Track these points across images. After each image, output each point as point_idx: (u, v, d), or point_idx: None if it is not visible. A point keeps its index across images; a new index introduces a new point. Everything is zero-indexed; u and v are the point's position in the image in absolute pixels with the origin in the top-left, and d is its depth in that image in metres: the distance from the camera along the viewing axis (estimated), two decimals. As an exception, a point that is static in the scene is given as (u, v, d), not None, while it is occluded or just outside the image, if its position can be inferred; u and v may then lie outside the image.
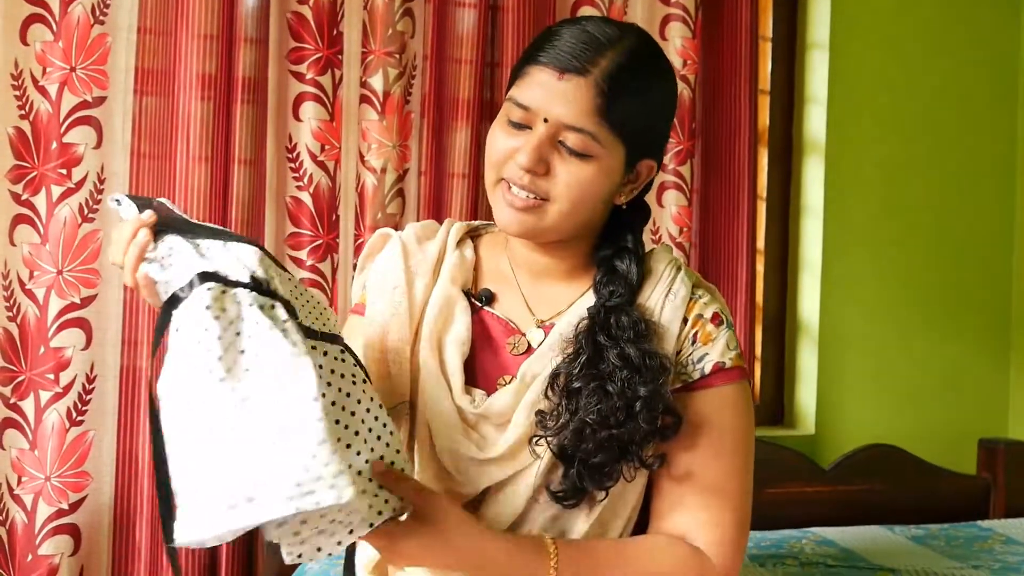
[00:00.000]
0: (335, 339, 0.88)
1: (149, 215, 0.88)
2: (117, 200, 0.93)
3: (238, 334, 0.80)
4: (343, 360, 0.86)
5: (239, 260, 0.85)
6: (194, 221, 0.95)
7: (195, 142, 1.63)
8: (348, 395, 0.83)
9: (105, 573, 1.64)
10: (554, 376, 0.97)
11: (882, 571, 1.49)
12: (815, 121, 2.09)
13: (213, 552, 1.67)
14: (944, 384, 2.16)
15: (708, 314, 1.03)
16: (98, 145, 1.61)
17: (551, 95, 0.94)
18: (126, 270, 0.88)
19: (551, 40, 0.95)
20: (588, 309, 1.00)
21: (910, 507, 1.89)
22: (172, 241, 0.87)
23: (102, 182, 1.62)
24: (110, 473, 1.63)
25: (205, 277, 0.82)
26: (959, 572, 1.49)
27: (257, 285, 0.83)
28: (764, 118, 2.08)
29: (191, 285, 0.82)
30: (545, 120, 0.95)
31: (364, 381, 0.87)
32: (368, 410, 0.85)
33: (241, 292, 0.82)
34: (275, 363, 0.78)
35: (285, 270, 0.92)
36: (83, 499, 1.60)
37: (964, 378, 2.18)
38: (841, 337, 2.08)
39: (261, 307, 0.82)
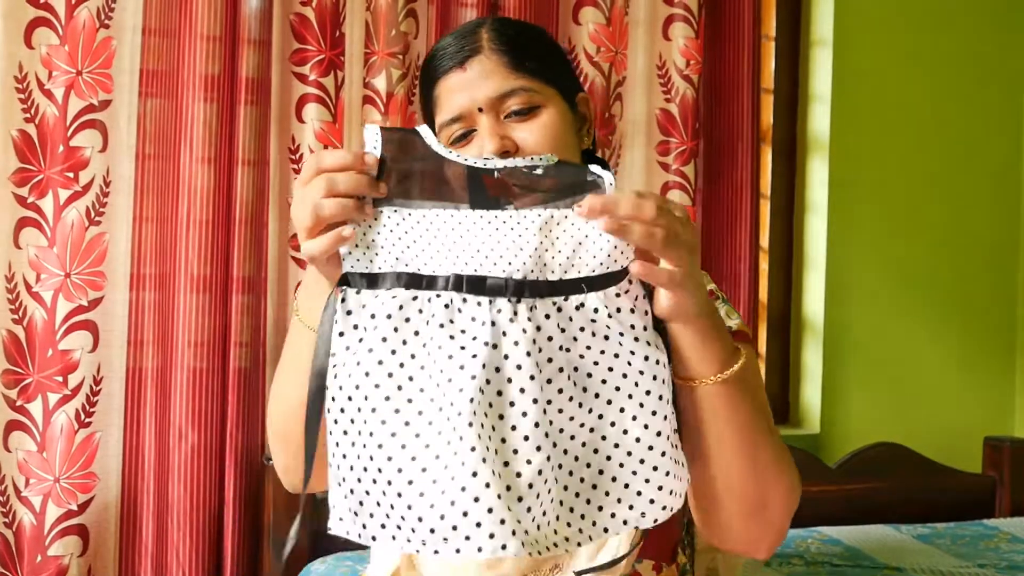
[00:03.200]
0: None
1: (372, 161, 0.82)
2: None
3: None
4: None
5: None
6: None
7: (199, 144, 1.64)
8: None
9: (112, 572, 1.65)
10: None
11: (888, 570, 1.49)
12: (819, 119, 2.09)
13: (219, 549, 1.67)
14: (949, 382, 2.16)
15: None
16: (104, 148, 1.61)
17: (468, 87, 0.96)
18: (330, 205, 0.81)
19: (433, 60, 1.00)
20: None
21: (915, 506, 1.89)
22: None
23: (108, 185, 1.62)
24: (116, 473, 1.65)
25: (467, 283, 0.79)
26: (965, 571, 1.49)
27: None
28: (768, 116, 2.08)
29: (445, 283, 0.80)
30: (480, 109, 0.96)
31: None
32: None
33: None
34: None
35: None
36: (91, 499, 1.61)
37: (970, 376, 2.18)
38: (846, 335, 2.08)
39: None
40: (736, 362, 0.84)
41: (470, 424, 0.73)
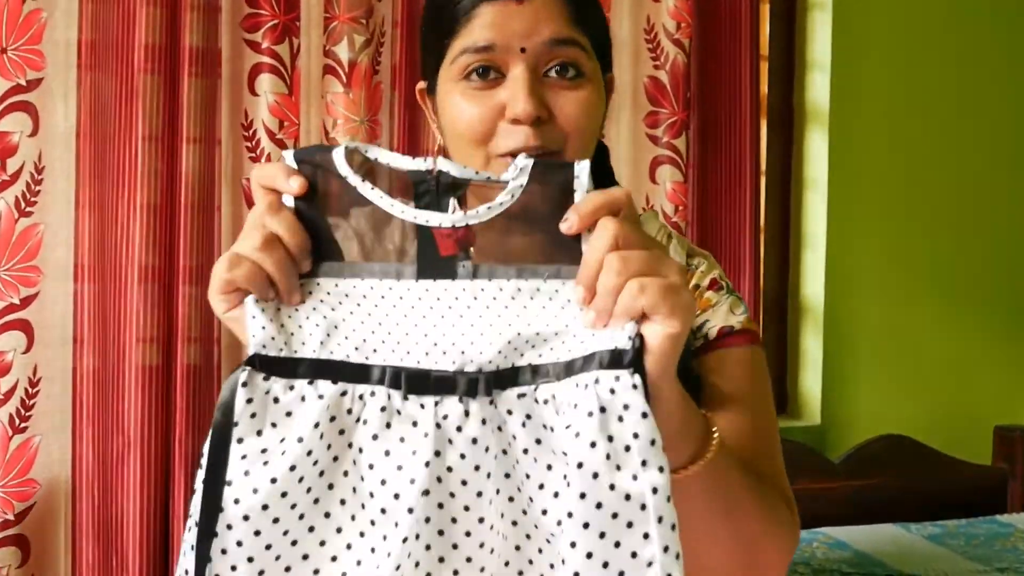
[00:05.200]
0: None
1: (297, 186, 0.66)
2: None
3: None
4: None
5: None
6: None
7: (141, 121, 1.51)
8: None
9: None
10: None
11: None
12: (818, 88, 1.99)
13: (166, 556, 1.59)
14: (958, 368, 2.08)
15: (705, 282, 0.92)
16: (34, 132, 1.49)
17: (517, 21, 0.79)
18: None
19: None
20: None
21: (924, 501, 1.82)
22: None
23: (40, 172, 1.50)
24: (59, 479, 1.55)
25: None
26: None
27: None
28: (762, 86, 1.97)
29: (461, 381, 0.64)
30: (523, 50, 0.79)
31: None
32: None
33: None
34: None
35: None
36: (30, 507, 1.52)
37: (979, 362, 2.10)
38: (848, 320, 1.99)
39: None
40: (711, 440, 0.71)
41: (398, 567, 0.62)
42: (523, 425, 0.62)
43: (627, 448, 0.59)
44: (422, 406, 0.63)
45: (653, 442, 0.59)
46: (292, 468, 0.62)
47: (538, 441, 0.62)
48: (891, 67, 2.00)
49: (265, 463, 0.62)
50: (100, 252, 1.54)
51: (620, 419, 0.60)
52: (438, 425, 0.62)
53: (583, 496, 0.59)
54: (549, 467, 0.62)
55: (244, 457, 0.62)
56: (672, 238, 0.95)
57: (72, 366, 1.54)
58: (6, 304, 1.48)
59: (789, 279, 2.05)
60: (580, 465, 0.59)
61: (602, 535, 0.58)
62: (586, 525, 0.59)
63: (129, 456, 1.53)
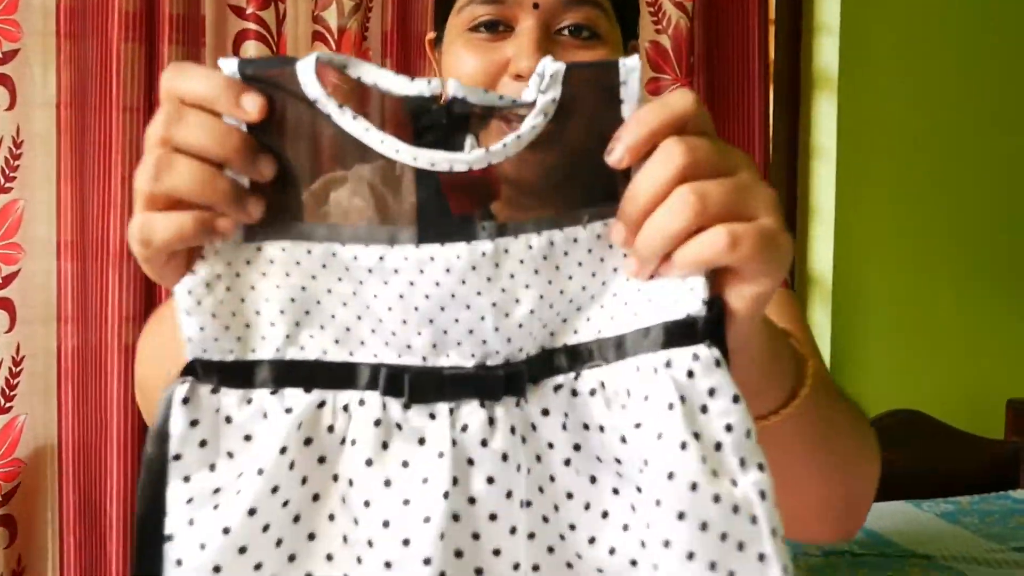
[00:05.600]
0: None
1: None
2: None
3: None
4: None
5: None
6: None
7: (122, 90, 1.46)
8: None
9: (51, 561, 1.55)
10: None
11: (914, 558, 1.34)
12: (826, 52, 1.93)
13: None
14: (970, 342, 2.03)
15: None
16: (11, 105, 1.45)
17: None
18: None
19: None
20: None
21: (936, 476, 1.76)
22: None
23: (19, 147, 1.47)
24: (51, 458, 1.53)
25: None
26: (1000, 556, 1.35)
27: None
28: (770, 51, 1.91)
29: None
30: (535, 5, 0.73)
31: None
32: None
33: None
34: None
35: None
36: (16, 487, 1.50)
37: (991, 335, 2.04)
38: (857, 293, 1.94)
39: None
40: (806, 377, 0.61)
41: None
42: (564, 427, 0.47)
43: (718, 446, 0.45)
44: (432, 416, 0.47)
45: (749, 433, 0.46)
46: (252, 512, 0.45)
47: (577, 447, 0.47)
48: (902, 31, 1.94)
49: (216, 507, 0.46)
50: (81, 228, 1.50)
51: (704, 409, 0.45)
52: (455, 441, 0.46)
53: (682, 516, 0.44)
54: (593, 479, 0.48)
55: (190, 501, 0.46)
56: None
57: (56, 345, 1.51)
58: (-13, 283, 1.45)
59: (797, 251, 2.00)
60: (671, 475, 0.44)
61: (713, 566, 0.44)
62: (691, 556, 0.44)
63: (112, 434, 1.50)
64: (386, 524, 0.46)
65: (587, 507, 0.48)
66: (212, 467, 0.46)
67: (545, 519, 0.48)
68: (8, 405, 1.48)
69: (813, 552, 1.36)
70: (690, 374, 0.46)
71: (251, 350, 0.48)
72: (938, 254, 2.01)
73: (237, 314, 0.48)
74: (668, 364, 0.46)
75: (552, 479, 0.48)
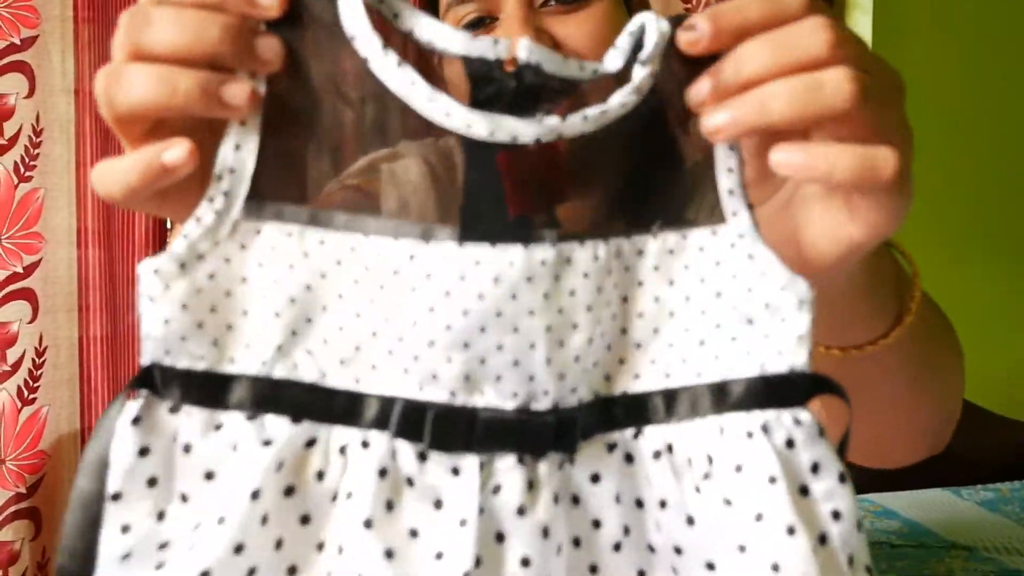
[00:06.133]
0: None
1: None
2: None
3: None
4: None
5: None
6: None
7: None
8: None
9: None
10: None
11: (956, 549, 1.31)
12: (859, 30, 1.86)
13: None
14: (1005, 321, 1.98)
15: None
16: (30, 93, 1.43)
17: None
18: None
19: None
20: None
21: (975, 462, 1.72)
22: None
23: (39, 134, 1.44)
24: (76, 450, 1.52)
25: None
26: None
27: None
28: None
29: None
30: None
31: None
32: None
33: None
34: None
35: None
36: (41, 479, 1.49)
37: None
38: (891, 275, 1.89)
39: None
40: (913, 292, 0.54)
41: None
42: (617, 500, 0.37)
43: (823, 538, 0.36)
44: (455, 471, 0.36)
45: (860, 525, 0.37)
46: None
47: (627, 530, 0.37)
48: (936, 7, 1.89)
49: (160, 567, 0.35)
50: (106, 216, 1.49)
51: (804, 491, 0.36)
52: (483, 508, 0.36)
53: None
54: (641, 574, 0.38)
55: (126, 558, 0.35)
56: None
57: (78, 334, 1.49)
58: (9, 273, 1.44)
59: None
60: (776, 568, 0.35)
61: None
62: None
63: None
64: None
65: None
66: (160, 515, 0.35)
67: None
68: (32, 397, 1.47)
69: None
70: (790, 444, 0.36)
71: (229, 359, 0.37)
72: (970, 229, 1.96)
73: (217, 310, 0.37)
74: (765, 429, 0.36)
75: (594, 570, 0.37)
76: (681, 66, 0.38)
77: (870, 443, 0.66)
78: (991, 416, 1.81)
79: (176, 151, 0.36)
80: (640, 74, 0.38)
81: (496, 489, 0.36)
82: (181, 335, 0.37)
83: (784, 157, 0.36)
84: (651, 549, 0.38)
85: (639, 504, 0.38)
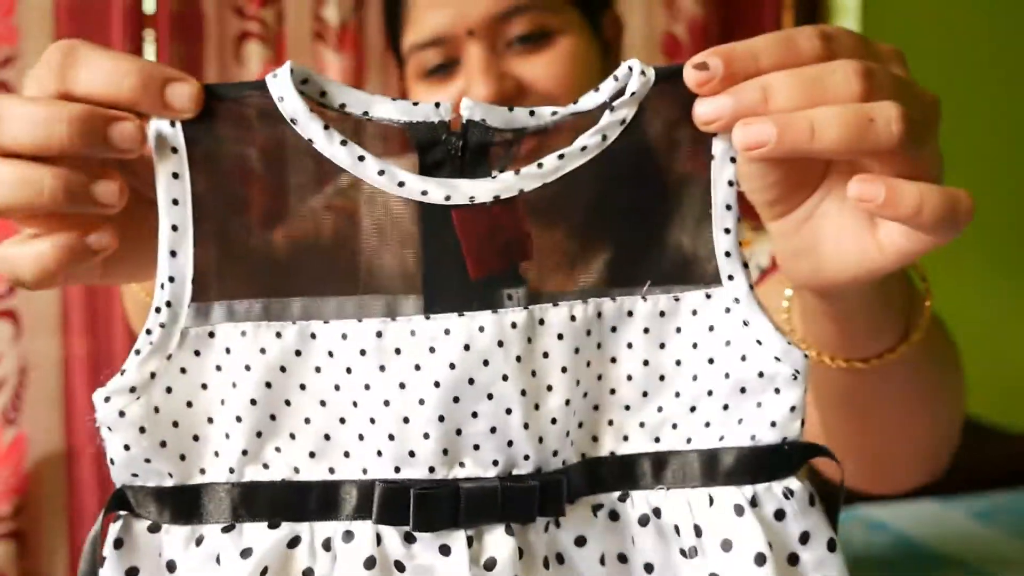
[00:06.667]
0: None
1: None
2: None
3: None
4: None
5: None
6: None
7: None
8: None
9: (63, 574, 1.53)
10: None
11: (947, 564, 1.30)
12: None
13: None
14: (1000, 332, 1.96)
15: (746, 236, 0.85)
16: None
17: (457, 1, 0.69)
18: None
19: None
20: None
21: (967, 472, 1.70)
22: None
23: None
24: (61, 470, 1.51)
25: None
26: None
27: None
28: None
29: None
30: (471, 32, 0.69)
31: None
32: None
33: None
34: None
35: None
36: (26, 502, 1.48)
37: (1019, 325, 1.98)
38: (882, 283, 1.88)
39: None
40: (923, 309, 0.54)
41: None
42: (602, 562, 0.37)
43: None
44: (445, 550, 0.36)
45: None
46: None
47: None
48: (923, 14, 1.88)
49: None
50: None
51: (793, 560, 0.37)
52: None
53: None
54: None
55: None
56: None
57: (62, 354, 1.48)
58: (-9, 295, 1.43)
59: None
60: None
61: None
62: None
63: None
64: None
65: None
66: None
67: None
68: (16, 416, 1.46)
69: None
70: (779, 515, 0.37)
71: (199, 470, 0.36)
72: (968, 236, 1.94)
73: (180, 424, 0.36)
74: (754, 502, 0.36)
75: None
76: (671, 117, 0.37)
77: (872, 467, 0.65)
78: (984, 426, 1.80)
79: (102, 236, 0.36)
80: (608, 119, 0.37)
81: (489, 564, 0.36)
82: (144, 457, 0.36)
83: (867, 191, 0.36)
84: None
85: (622, 559, 0.38)
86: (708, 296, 0.38)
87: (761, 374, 0.37)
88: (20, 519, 1.47)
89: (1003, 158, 1.96)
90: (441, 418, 0.36)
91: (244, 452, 0.36)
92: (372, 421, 0.36)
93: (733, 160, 0.37)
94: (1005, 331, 1.99)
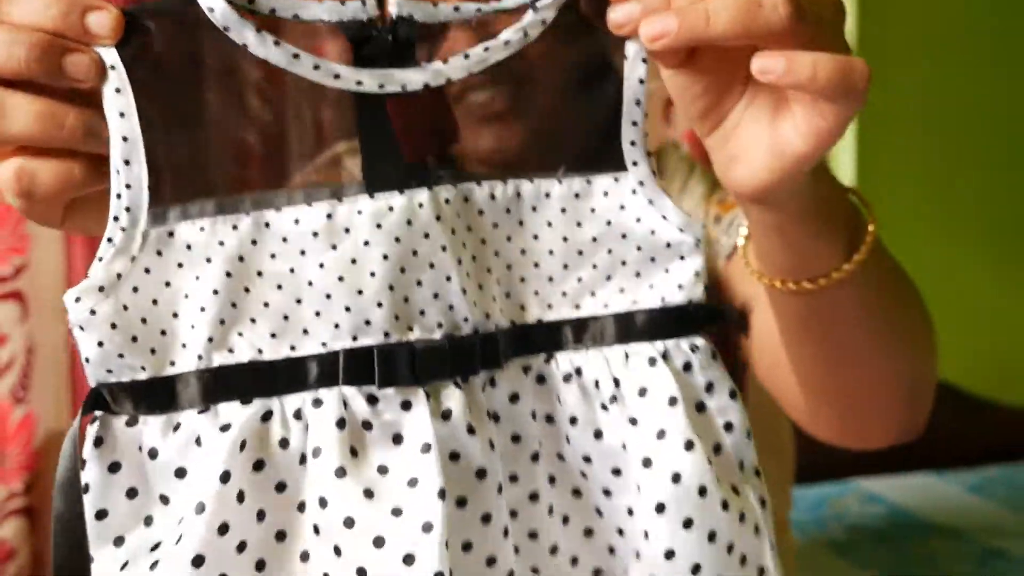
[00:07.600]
0: None
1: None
2: None
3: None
4: None
5: None
6: None
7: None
8: None
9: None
10: None
11: (939, 532, 1.32)
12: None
13: None
14: (996, 307, 1.98)
15: (728, 199, 0.86)
16: None
17: None
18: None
19: None
20: None
21: (962, 447, 1.74)
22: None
23: None
24: (62, 448, 1.52)
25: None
26: None
27: None
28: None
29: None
30: None
31: None
32: None
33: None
34: None
35: None
36: (36, 479, 1.51)
37: (1015, 301, 1.99)
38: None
39: None
40: (866, 230, 0.58)
41: None
42: (533, 417, 0.43)
43: (717, 448, 0.42)
44: (406, 405, 0.40)
45: (749, 433, 0.43)
46: (199, 562, 0.37)
47: (540, 444, 0.43)
48: (922, 8, 1.89)
49: (154, 565, 0.38)
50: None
51: (701, 407, 0.42)
52: (438, 434, 0.40)
53: (689, 524, 0.40)
54: (552, 480, 0.43)
55: (125, 566, 0.38)
56: (695, 169, 0.89)
57: (69, 334, 1.51)
58: (-1, 276, 1.45)
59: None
60: (677, 478, 0.40)
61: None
62: (696, 569, 0.40)
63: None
64: (379, 543, 0.38)
65: (565, 520, 0.43)
66: (148, 520, 0.39)
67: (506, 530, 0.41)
68: (26, 395, 1.49)
69: (833, 527, 1.35)
70: (687, 367, 0.43)
71: (169, 363, 0.39)
72: (964, 216, 1.96)
73: (148, 320, 0.39)
74: (665, 355, 0.42)
75: (514, 479, 0.42)
76: (589, 19, 0.42)
77: (845, 413, 0.67)
78: (980, 401, 1.82)
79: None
80: (531, 18, 0.41)
81: (446, 414, 0.40)
82: (118, 353, 0.39)
83: (768, 64, 0.40)
84: (561, 458, 0.43)
85: (550, 420, 0.43)
86: (616, 180, 0.43)
87: (668, 244, 0.43)
88: (31, 495, 1.50)
89: (1003, 144, 1.97)
90: (391, 287, 0.40)
91: (210, 340, 0.40)
92: (328, 297, 0.40)
93: (644, 61, 0.43)
94: (1001, 307, 2.00)
